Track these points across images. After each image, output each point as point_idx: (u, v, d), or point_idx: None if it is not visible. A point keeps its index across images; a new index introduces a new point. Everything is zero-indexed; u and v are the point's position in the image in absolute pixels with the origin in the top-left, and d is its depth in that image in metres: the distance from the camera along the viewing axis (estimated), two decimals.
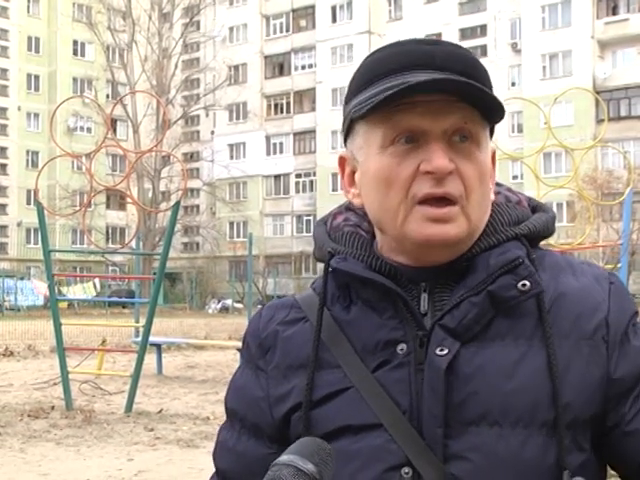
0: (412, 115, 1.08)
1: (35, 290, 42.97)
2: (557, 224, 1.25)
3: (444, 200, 1.09)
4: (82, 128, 59.79)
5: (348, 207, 1.25)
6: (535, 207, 1.23)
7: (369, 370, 1.12)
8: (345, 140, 1.19)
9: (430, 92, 1.07)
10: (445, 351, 1.09)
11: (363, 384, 1.11)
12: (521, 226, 1.16)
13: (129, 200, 31.30)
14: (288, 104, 60.13)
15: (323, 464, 0.99)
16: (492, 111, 1.10)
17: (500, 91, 47.11)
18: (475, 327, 1.10)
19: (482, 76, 1.12)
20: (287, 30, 60.20)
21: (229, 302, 47.40)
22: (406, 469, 1.07)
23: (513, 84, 49.72)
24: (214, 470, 1.28)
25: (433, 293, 1.14)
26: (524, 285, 1.10)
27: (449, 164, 1.08)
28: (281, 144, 60.42)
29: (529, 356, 1.09)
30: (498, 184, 1.24)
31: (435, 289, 1.14)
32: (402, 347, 1.11)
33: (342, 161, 1.21)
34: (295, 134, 59.32)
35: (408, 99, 1.07)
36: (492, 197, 1.16)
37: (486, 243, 1.14)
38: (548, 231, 1.20)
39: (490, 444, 1.06)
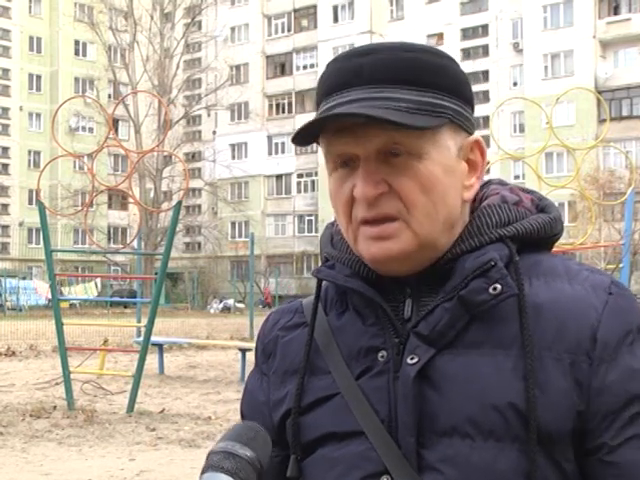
0: (339, 143, 1.09)
1: (36, 290, 42.97)
2: None
3: (382, 220, 1.08)
4: (84, 128, 59.85)
5: None
6: (543, 208, 1.18)
7: (354, 377, 1.11)
8: None
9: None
10: (415, 359, 1.07)
11: (347, 391, 1.11)
12: (508, 227, 1.12)
13: (131, 200, 31.35)
14: (290, 104, 60.14)
15: (253, 442, 1.01)
16: (411, 125, 1.04)
17: (502, 91, 47.12)
18: (449, 333, 1.07)
19: (419, 76, 1.07)
20: (289, 30, 60.22)
21: (231, 302, 47.42)
22: (385, 477, 1.06)
23: (515, 84, 49.72)
24: None
25: (418, 298, 1.12)
26: (495, 289, 1.06)
27: (373, 190, 1.06)
28: (283, 144, 60.41)
29: (506, 367, 1.05)
30: (503, 183, 1.20)
31: (421, 293, 1.12)
32: (383, 354, 1.10)
33: None
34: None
35: (336, 126, 1.07)
36: (471, 194, 1.13)
37: (467, 245, 1.11)
38: (545, 233, 1.14)
39: (462, 456, 1.03)
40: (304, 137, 1.10)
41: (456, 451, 1.03)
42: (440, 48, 1.17)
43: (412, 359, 1.07)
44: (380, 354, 1.10)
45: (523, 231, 1.12)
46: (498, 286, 1.06)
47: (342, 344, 1.14)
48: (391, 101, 1.05)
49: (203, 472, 0.99)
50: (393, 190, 1.07)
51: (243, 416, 1.27)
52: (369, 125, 1.05)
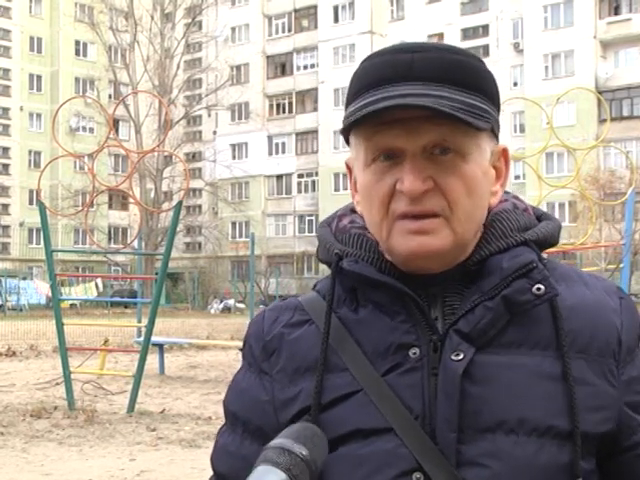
0: (389, 135, 1.08)
1: (37, 291, 43.00)
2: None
3: (426, 215, 1.09)
4: (84, 128, 59.89)
5: (353, 209, 1.24)
6: (540, 216, 1.22)
7: (379, 373, 1.11)
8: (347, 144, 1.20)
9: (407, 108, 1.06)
10: (461, 356, 1.08)
11: (373, 387, 1.10)
12: (530, 232, 1.16)
13: (131, 200, 31.40)
14: (290, 104, 60.15)
15: (310, 443, 1.02)
16: (472, 123, 1.06)
17: (502, 91, 46.58)
18: (490, 332, 1.09)
19: (468, 79, 1.10)
20: (289, 30, 60.23)
21: (231, 302, 47.43)
22: (417, 474, 1.06)
23: (515, 84, 49.71)
24: (212, 474, 1.26)
25: (444, 297, 1.13)
26: (539, 289, 1.09)
27: (421, 185, 1.07)
28: (283, 144, 60.44)
29: (544, 367, 1.09)
30: (505, 192, 1.23)
31: (446, 293, 1.14)
32: (415, 351, 1.10)
33: (348, 167, 1.22)
34: (297, 134, 59.33)
35: (384, 119, 1.07)
36: (496, 200, 1.17)
37: (495, 247, 1.14)
38: (554, 239, 1.19)
39: (507, 451, 1.06)
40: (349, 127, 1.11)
41: (499, 446, 1.06)
42: None
43: (457, 356, 1.08)
44: (412, 351, 1.10)
45: (542, 236, 1.17)
46: (541, 286, 1.09)
47: (364, 340, 1.14)
48: (443, 99, 1.06)
49: (257, 465, 0.99)
50: (438, 188, 1.08)
51: (235, 417, 1.23)
52: (420, 120, 1.06)
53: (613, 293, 1.17)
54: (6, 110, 61.87)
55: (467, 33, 52.55)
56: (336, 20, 57.60)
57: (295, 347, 1.18)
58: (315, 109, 58.27)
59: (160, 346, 14.77)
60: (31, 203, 58.04)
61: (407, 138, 1.07)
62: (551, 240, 1.19)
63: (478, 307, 1.10)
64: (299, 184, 59.66)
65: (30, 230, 55.81)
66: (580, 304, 1.13)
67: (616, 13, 47.88)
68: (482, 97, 1.10)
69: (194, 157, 61.50)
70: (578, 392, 1.07)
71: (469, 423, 1.07)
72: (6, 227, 59.11)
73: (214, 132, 62.49)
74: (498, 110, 1.16)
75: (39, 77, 63.26)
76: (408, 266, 1.13)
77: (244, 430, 1.21)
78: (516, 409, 1.07)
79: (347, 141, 1.18)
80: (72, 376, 10.31)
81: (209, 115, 60.66)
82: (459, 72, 1.09)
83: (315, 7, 58.90)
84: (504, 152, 1.17)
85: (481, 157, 1.11)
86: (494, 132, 1.14)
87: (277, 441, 1.01)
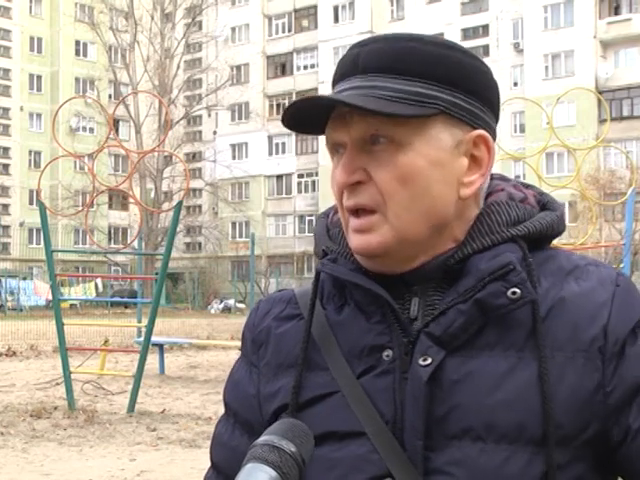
0: (332, 130, 1.09)
1: (36, 291, 42.98)
2: None
3: (363, 210, 1.06)
4: (84, 128, 59.89)
5: None
6: (545, 204, 1.15)
7: (355, 375, 1.08)
8: None
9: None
10: (428, 361, 1.04)
11: (349, 389, 1.07)
12: (519, 227, 1.09)
13: (131, 200, 31.38)
14: None
15: (298, 439, 1.00)
16: (393, 113, 1.03)
17: (502, 91, 46.69)
18: (462, 336, 1.04)
19: (414, 66, 1.05)
20: (289, 30, 60.24)
21: (231, 302, 47.42)
22: None
23: (515, 84, 49.71)
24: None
25: (425, 296, 1.09)
26: (514, 293, 1.03)
27: (349, 177, 1.05)
28: (283, 144, 60.46)
29: (518, 368, 1.03)
30: (505, 179, 1.17)
31: (428, 292, 1.09)
32: (388, 353, 1.07)
33: None
34: (297, 134, 59.23)
35: (333, 114, 1.08)
36: (470, 191, 1.08)
37: (479, 244, 1.08)
38: (553, 231, 1.12)
39: (473, 459, 1.01)
40: (299, 125, 1.12)
41: (465, 454, 1.01)
42: None
43: (425, 360, 1.04)
44: (385, 353, 1.07)
45: (534, 230, 1.10)
46: (517, 290, 1.03)
47: (342, 341, 1.11)
48: (377, 89, 1.04)
49: (246, 463, 0.98)
50: (372, 180, 1.05)
51: (228, 407, 1.23)
52: (354, 113, 1.05)
53: (609, 283, 1.07)
54: (6, 110, 61.86)
55: (467, 33, 52.54)
56: (336, 20, 57.61)
57: (281, 342, 1.17)
58: None
59: (160, 346, 14.78)
60: (31, 203, 58.04)
61: (345, 131, 1.07)
62: (550, 233, 1.12)
63: (451, 310, 1.05)
64: (299, 184, 59.67)
65: (30, 230, 55.82)
66: (564, 301, 1.06)
67: (616, 13, 47.88)
68: (427, 82, 1.05)
69: (194, 157, 61.52)
70: (556, 393, 1.01)
71: (437, 430, 1.03)
72: (6, 227, 59.11)
73: (214, 132, 62.50)
74: (471, 94, 1.07)
75: (39, 77, 63.25)
76: (367, 266, 1.10)
77: (235, 421, 1.22)
78: (484, 415, 1.01)
79: None
80: (72, 376, 10.31)
81: (209, 115, 60.66)
82: (400, 60, 1.05)
83: (315, 7, 58.90)
84: (481, 138, 1.08)
85: (428, 146, 1.05)
86: (461, 118, 1.07)
87: (265, 438, 1.00)
